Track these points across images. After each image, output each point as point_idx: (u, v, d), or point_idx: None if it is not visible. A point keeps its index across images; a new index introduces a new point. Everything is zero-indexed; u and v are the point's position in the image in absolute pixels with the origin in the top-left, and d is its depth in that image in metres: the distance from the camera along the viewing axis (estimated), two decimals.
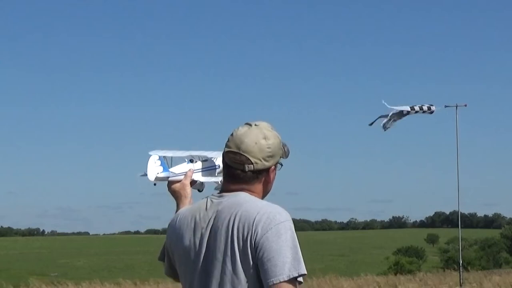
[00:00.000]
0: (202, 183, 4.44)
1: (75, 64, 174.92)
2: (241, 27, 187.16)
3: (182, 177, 4.18)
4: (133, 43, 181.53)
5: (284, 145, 3.54)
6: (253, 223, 3.26)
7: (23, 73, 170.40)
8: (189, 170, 4.19)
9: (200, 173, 4.42)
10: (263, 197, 3.48)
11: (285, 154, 3.55)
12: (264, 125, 3.49)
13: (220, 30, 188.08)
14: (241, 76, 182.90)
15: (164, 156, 4.51)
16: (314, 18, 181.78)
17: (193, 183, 4.18)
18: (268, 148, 3.44)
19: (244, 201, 3.36)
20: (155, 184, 4.38)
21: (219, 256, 3.30)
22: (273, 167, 3.48)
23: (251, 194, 3.43)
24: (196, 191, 4.41)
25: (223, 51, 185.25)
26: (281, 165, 3.54)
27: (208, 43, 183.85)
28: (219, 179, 4.17)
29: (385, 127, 23.50)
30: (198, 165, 4.45)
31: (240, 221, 3.28)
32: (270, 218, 3.27)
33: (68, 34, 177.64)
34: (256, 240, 3.24)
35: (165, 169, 4.34)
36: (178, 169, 4.38)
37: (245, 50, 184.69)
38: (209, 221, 3.37)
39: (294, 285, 3.23)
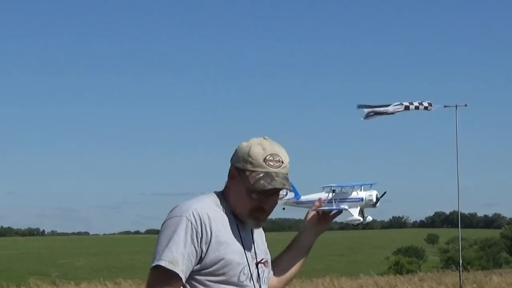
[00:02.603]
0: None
1: (75, 64, 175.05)
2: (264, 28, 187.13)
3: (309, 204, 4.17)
4: (131, 43, 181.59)
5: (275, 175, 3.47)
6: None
7: (23, 73, 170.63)
8: (318, 199, 4.19)
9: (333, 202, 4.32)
10: (236, 209, 3.51)
11: (271, 183, 3.46)
12: (268, 141, 3.54)
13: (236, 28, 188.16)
14: (241, 77, 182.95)
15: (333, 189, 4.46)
16: (314, 17, 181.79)
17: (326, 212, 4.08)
18: (237, 147, 3.54)
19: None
20: (283, 209, 4.39)
21: None
22: (234, 171, 3.51)
23: (222, 191, 3.56)
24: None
25: (223, 51, 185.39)
26: (283, 192, 3.52)
27: (208, 43, 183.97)
28: (354, 211, 4.12)
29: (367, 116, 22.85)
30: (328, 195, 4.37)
31: None
32: (171, 212, 3.45)
33: (68, 34, 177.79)
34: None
35: (297, 195, 4.34)
36: (309, 197, 4.36)
37: (247, 51, 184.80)
38: None
39: (156, 273, 3.37)
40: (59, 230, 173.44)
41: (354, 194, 4.52)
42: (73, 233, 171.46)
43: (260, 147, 3.48)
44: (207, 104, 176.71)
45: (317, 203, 4.08)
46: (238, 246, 3.49)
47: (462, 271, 27.84)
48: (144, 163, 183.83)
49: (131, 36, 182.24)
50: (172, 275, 3.34)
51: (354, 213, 4.09)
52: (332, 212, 4.04)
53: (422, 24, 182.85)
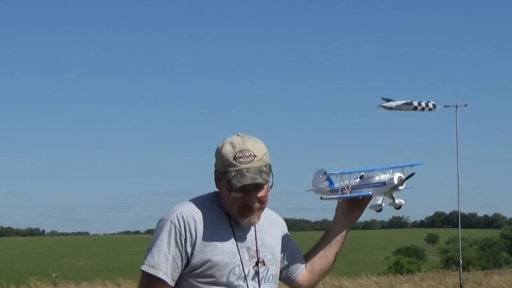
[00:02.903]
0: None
1: (75, 64, 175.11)
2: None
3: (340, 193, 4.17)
4: (131, 43, 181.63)
5: (236, 172, 3.41)
6: None
7: (23, 73, 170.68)
8: (346, 186, 4.18)
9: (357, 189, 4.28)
10: (227, 210, 3.48)
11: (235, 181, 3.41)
12: (240, 138, 3.49)
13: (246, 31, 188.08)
14: (241, 77, 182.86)
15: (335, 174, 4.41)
16: (314, 17, 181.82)
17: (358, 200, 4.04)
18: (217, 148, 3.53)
19: None
20: (321, 198, 4.35)
21: None
22: (217, 174, 3.50)
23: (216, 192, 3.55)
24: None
25: (223, 51, 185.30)
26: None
27: (208, 43, 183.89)
28: (378, 196, 4.08)
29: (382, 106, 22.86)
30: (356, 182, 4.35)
31: None
32: (162, 215, 3.48)
33: (69, 34, 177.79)
34: None
35: (332, 183, 4.29)
36: (340, 185, 4.31)
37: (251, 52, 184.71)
38: None
39: (142, 277, 3.43)
40: (59, 230, 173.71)
41: (377, 179, 4.38)
42: (73, 233, 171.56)
43: (230, 146, 3.45)
44: (207, 104, 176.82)
45: (344, 191, 4.08)
46: (228, 246, 3.44)
47: (462, 271, 27.87)
48: (144, 163, 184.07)
49: (131, 36, 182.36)
50: (155, 279, 3.38)
51: (378, 199, 4.04)
52: (368, 197, 4.06)
53: (422, 24, 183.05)
